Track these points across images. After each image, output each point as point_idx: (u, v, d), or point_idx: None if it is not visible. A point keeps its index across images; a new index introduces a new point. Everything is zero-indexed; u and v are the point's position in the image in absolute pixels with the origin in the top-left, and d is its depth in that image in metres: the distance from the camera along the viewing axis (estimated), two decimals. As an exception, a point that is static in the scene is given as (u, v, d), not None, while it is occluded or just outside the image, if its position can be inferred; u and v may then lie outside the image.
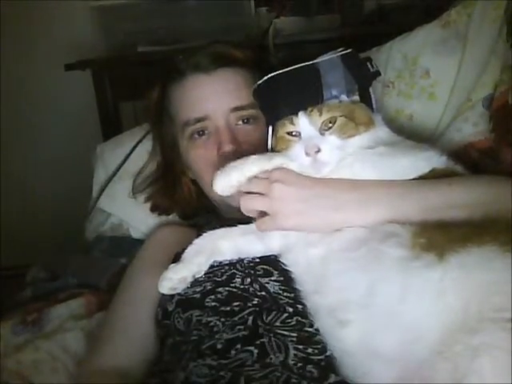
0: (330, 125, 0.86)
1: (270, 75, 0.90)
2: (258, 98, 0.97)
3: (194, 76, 1.12)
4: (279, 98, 0.90)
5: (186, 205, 1.24)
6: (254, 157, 0.91)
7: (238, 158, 1.02)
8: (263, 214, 0.88)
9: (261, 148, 0.98)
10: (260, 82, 0.93)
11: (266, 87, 0.92)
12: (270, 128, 0.94)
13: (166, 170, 1.24)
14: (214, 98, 1.09)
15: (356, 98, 0.91)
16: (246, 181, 0.89)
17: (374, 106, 0.93)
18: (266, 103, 0.95)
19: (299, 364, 0.82)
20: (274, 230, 0.89)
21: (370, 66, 0.92)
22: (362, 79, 0.90)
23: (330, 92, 0.87)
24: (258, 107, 1.06)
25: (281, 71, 0.89)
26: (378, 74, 0.93)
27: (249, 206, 0.89)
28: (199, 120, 1.10)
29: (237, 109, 1.09)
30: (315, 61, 0.88)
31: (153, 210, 1.27)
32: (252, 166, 0.90)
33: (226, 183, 0.91)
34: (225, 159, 1.05)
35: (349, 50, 0.90)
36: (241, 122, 1.10)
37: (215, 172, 0.94)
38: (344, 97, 0.88)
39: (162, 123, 1.21)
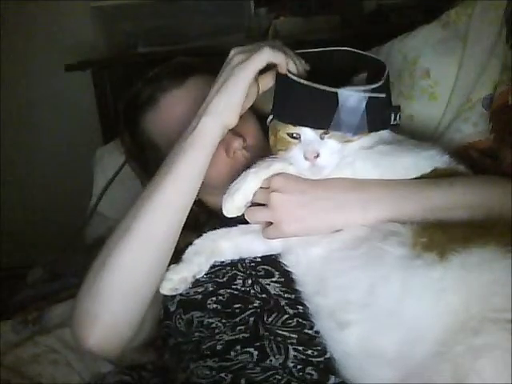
0: None
1: (291, 76, 0.86)
2: (276, 85, 0.93)
3: (167, 94, 1.09)
4: (290, 103, 0.87)
5: (191, 221, 1.22)
6: (252, 170, 0.90)
7: (248, 150, 1.02)
8: (269, 222, 0.89)
9: (261, 135, 0.99)
10: (285, 74, 0.88)
11: (286, 82, 0.88)
12: (270, 117, 0.92)
13: None
14: (197, 106, 1.08)
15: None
16: (252, 195, 0.90)
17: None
18: (278, 97, 0.91)
19: (299, 366, 0.83)
20: (278, 237, 0.90)
21: (393, 117, 0.87)
22: (378, 127, 0.87)
23: (339, 127, 0.83)
24: None
25: (300, 81, 0.84)
26: (396, 127, 0.89)
27: (253, 217, 0.90)
28: None
29: None
30: (339, 90, 0.82)
31: None
32: (252, 182, 0.90)
33: (233, 207, 0.91)
34: (235, 158, 1.04)
35: (382, 95, 0.84)
36: None
37: (228, 180, 0.94)
38: (349, 134, 0.84)
39: (147, 160, 1.15)
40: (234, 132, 1.03)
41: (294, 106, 0.87)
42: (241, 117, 1.05)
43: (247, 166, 0.93)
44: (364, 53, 0.93)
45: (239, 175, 0.93)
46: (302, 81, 0.84)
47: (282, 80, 0.89)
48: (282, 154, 0.88)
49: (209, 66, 1.11)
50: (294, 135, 0.86)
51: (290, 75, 0.87)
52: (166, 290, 0.93)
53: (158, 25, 1.90)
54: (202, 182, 1.08)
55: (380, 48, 1.27)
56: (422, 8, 1.63)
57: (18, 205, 2.34)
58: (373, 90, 0.83)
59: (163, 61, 1.19)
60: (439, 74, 1.17)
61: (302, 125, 0.85)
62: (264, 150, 0.94)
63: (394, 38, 1.27)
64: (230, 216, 0.92)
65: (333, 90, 0.82)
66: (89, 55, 1.95)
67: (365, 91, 0.82)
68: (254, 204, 0.91)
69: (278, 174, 0.88)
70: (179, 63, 1.14)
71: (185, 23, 1.88)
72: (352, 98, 0.82)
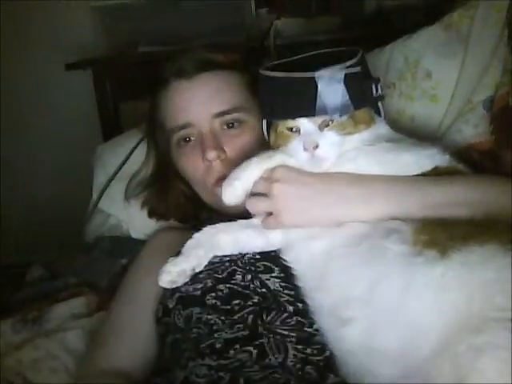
0: (329, 122, 0.86)
1: (270, 73, 0.89)
2: (259, 87, 0.95)
3: (176, 82, 1.11)
4: (275, 99, 0.90)
5: (181, 209, 1.23)
6: (254, 160, 0.91)
7: (223, 163, 1.05)
8: (269, 213, 0.89)
9: (247, 152, 0.99)
10: (262, 72, 0.91)
11: (267, 81, 0.91)
12: (265, 122, 0.94)
13: (159, 175, 1.24)
14: (196, 104, 1.08)
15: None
16: (252, 184, 0.91)
17: (382, 113, 0.93)
18: (264, 97, 0.94)
19: (298, 365, 0.83)
20: (278, 228, 0.90)
21: (374, 88, 0.89)
22: (361, 102, 0.88)
23: (324, 109, 0.85)
24: (242, 110, 1.08)
25: (280, 74, 0.87)
26: (381, 98, 0.91)
27: (253, 207, 0.91)
28: (183, 127, 1.09)
29: (220, 114, 1.08)
30: (316, 73, 0.85)
31: (150, 215, 1.26)
32: (253, 171, 0.91)
33: (232, 194, 0.92)
34: (210, 166, 1.06)
35: (356, 69, 0.87)
36: (225, 127, 1.09)
37: (212, 181, 1.00)
38: (336, 116, 0.86)
39: (154, 130, 1.21)
40: (215, 143, 1.05)
41: (278, 100, 0.89)
42: (235, 128, 1.07)
43: (221, 177, 0.96)
44: (336, 49, 0.94)
45: (213, 181, 1.00)
46: (278, 74, 0.87)
47: (262, 81, 0.92)
48: (283, 148, 0.90)
49: (227, 62, 1.13)
50: (294, 129, 0.88)
51: (266, 72, 0.89)
52: (165, 282, 0.93)
53: (158, 25, 1.90)
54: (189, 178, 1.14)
55: (382, 49, 1.27)
56: (423, 10, 1.63)
57: (19, 204, 2.34)
58: (348, 67, 0.86)
59: (163, 61, 1.20)
60: (440, 76, 1.17)
61: (291, 117, 0.87)
62: None
63: (395, 40, 1.27)
64: (228, 204, 0.93)
65: (310, 74, 0.84)
66: (89, 55, 1.95)
67: (340, 68, 0.85)
68: (253, 195, 0.91)
69: (280, 166, 0.89)
70: (198, 57, 1.14)
71: (185, 23, 1.88)
72: (329, 77, 0.84)
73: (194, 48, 1.19)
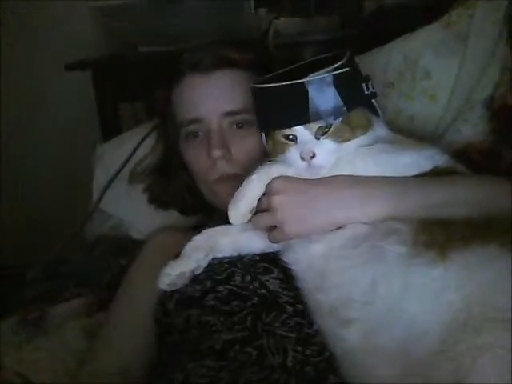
0: (326, 130, 0.86)
1: (261, 85, 0.89)
2: (253, 100, 0.96)
3: (191, 76, 1.11)
4: (269, 110, 0.90)
5: (181, 199, 1.24)
6: (254, 176, 0.91)
7: (228, 163, 1.05)
8: (273, 226, 0.89)
9: (252, 154, 0.99)
10: (254, 86, 0.92)
11: (259, 94, 0.92)
12: (263, 134, 0.94)
13: (165, 164, 1.24)
14: (208, 100, 1.09)
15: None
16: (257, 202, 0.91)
17: (380, 112, 0.93)
18: (259, 109, 0.95)
19: (298, 366, 0.83)
20: (283, 240, 0.90)
21: (365, 87, 0.90)
22: (354, 102, 0.88)
23: (318, 115, 0.85)
24: (252, 111, 1.06)
25: (270, 85, 0.87)
26: (373, 96, 0.91)
27: (257, 224, 0.91)
28: (192, 121, 1.10)
29: (230, 113, 1.07)
30: (305, 79, 0.85)
31: (150, 201, 1.27)
32: (255, 188, 0.91)
33: (238, 215, 0.92)
34: (214, 164, 1.06)
35: (344, 70, 0.87)
36: (234, 127, 1.08)
37: (214, 186, 1.03)
38: (331, 119, 0.86)
39: (166, 121, 1.20)
40: (222, 142, 1.05)
41: (272, 111, 0.89)
42: (243, 129, 1.07)
43: (223, 176, 0.97)
44: (325, 55, 0.95)
45: (214, 179, 1.01)
46: (268, 85, 0.87)
47: (255, 93, 0.92)
48: (281, 157, 0.89)
49: (243, 60, 1.13)
50: (290, 137, 0.88)
51: (257, 86, 0.90)
52: (164, 284, 0.94)
53: (158, 25, 1.89)
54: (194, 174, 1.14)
55: (381, 49, 1.27)
56: (422, 9, 1.63)
57: (18, 204, 2.35)
58: (336, 69, 0.86)
59: (163, 61, 1.20)
60: (440, 76, 1.18)
61: (286, 127, 0.87)
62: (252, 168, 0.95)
63: (394, 39, 1.27)
64: (236, 223, 0.93)
65: (299, 81, 0.84)
66: (88, 55, 1.95)
67: (328, 71, 0.85)
68: (258, 211, 0.91)
69: (277, 177, 0.89)
70: (216, 53, 1.13)
71: (185, 23, 1.87)
72: (318, 81, 0.85)
73: (210, 43, 1.18)
